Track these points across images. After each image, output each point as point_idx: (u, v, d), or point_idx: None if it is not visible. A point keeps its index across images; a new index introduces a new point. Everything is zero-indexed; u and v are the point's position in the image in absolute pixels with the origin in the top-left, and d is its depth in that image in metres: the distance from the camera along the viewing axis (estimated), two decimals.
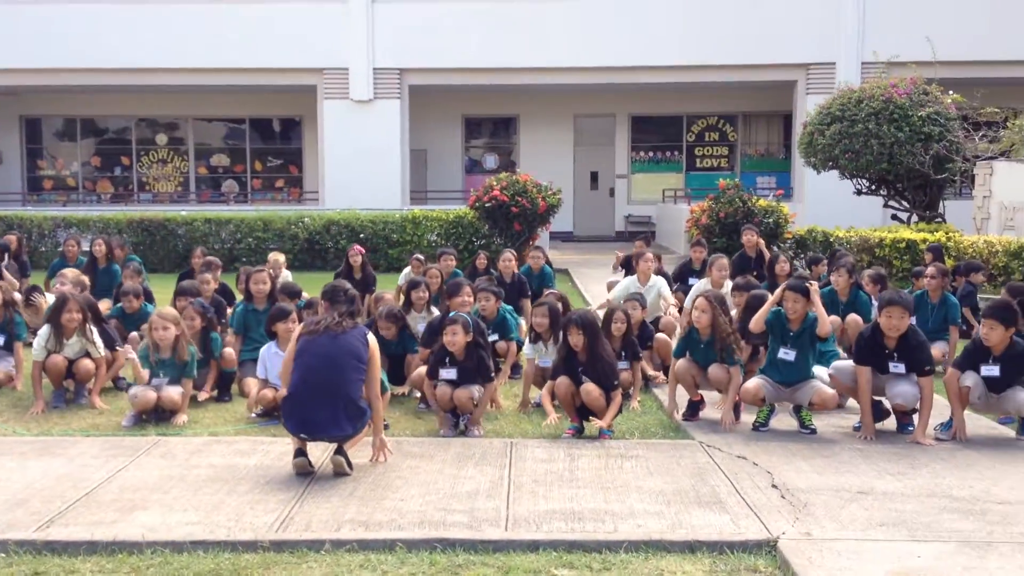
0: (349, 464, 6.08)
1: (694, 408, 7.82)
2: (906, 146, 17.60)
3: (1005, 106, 19.18)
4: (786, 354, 7.44)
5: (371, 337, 6.30)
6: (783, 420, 7.66)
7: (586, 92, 27.87)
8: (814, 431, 7.38)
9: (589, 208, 29.32)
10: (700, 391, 7.85)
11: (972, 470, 6.44)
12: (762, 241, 13.42)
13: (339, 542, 5.04)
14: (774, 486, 6.02)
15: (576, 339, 7.20)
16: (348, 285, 8.79)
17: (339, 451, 6.05)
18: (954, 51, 21.07)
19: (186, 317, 8.25)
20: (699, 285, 10.75)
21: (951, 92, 18.58)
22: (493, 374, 7.55)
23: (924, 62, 19.25)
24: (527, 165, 26.55)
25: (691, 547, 5.06)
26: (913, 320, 7.68)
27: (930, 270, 10.01)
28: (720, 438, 7.17)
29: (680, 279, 12.52)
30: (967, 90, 18.80)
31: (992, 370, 7.18)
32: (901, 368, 7.22)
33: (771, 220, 18.61)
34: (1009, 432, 7.42)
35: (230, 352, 8.65)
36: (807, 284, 7.54)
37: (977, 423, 7.68)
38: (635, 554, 5.00)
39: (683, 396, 7.89)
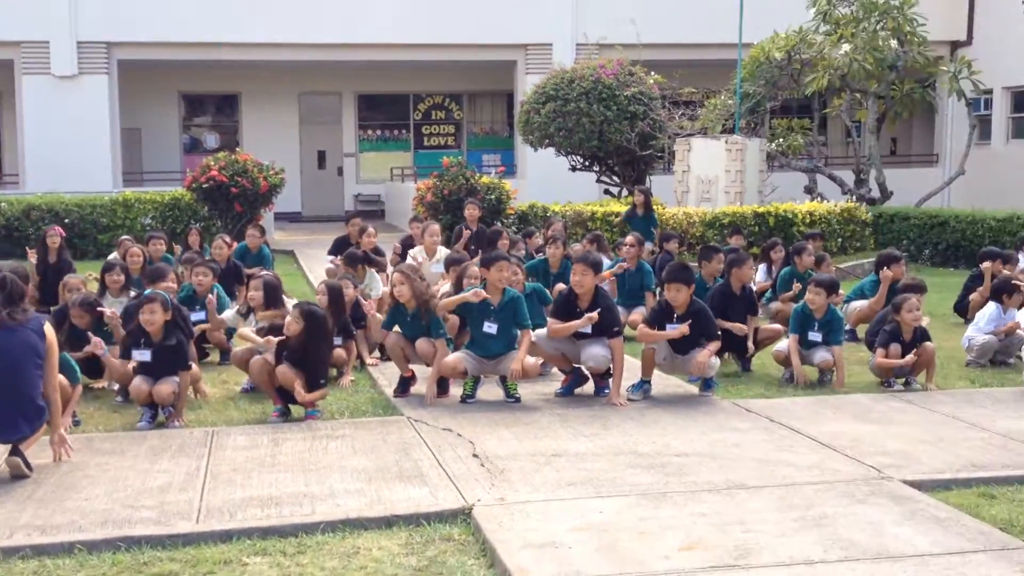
0: (27, 465, 5.70)
1: (405, 384, 7.89)
2: (614, 124, 18.51)
3: (702, 87, 20.54)
4: (489, 328, 7.64)
5: (48, 328, 5.91)
6: (491, 390, 7.87)
7: (311, 69, 27.38)
8: (518, 399, 7.63)
9: (317, 188, 28.89)
10: (412, 366, 7.94)
11: (657, 427, 6.89)
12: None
13: (11, 549, 4.72)
14: (475, 455, 6.19)
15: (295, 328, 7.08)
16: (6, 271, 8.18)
17: (15, 452, 5.65)
18: (656, 34, 22.28)
19: None
20: (412, 252, 11.06)
21: (653, 73, 19.70)
22: (191, 362, 7.30)
23: (629, 44, 20.25)
24: (251, 144, 25.75)
25: (388, 522, 5.12)
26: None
27: (629, 239, 10.58)
28: (428, 413, 7.28)
29: (402, 255, 12.63)
30: (668, 71, 19.99)
31: (674, 325, 7.70)
32: (588, 329, 7.61)
33: (493, 196, 19.05)
34: (693, 389, 7.98)
35: None
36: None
37: (667, 381, 8.22)
38: (332, 534, 4.99)
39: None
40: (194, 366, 7.50)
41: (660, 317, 7.86)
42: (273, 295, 8.26)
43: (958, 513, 5.10)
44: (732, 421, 7.04)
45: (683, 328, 7.59)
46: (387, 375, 8.45)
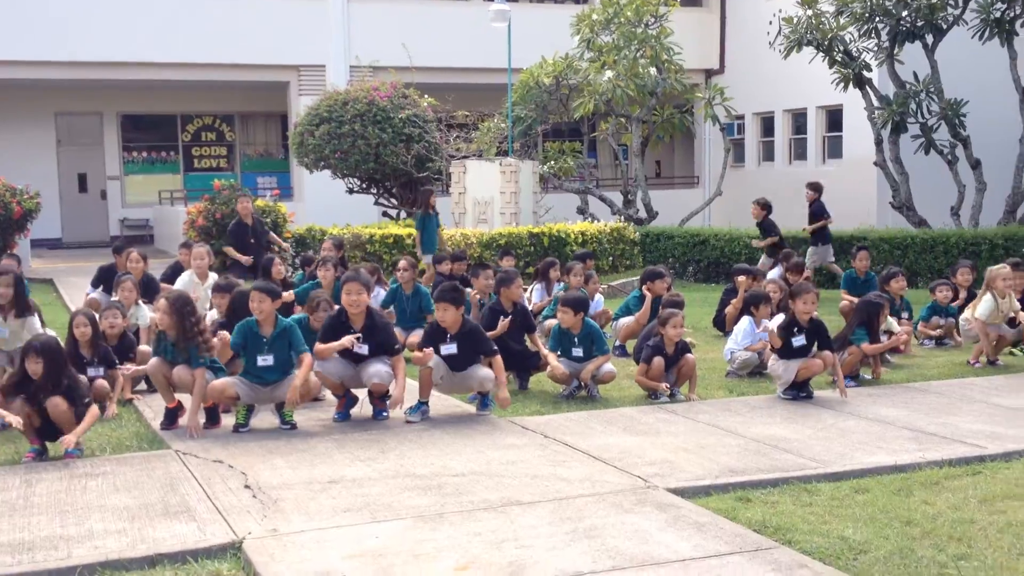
0: None
1: (172, 415, 7.56)
2: (390, 146, 18.55)
3: (475, 110, 20.89)
4: (264, 360, 7.46)
5: None
6: (266, 418, 7.67)
7: (69, 88, 25.93)
8: (294, 426, 7.48)
9: (79, 212, 27.32)
10: (181, 395, 7.62)
11: (435, 448, 6.91)
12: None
13: None
14: (247, 487, 6.00)
15: (34, 367, 6.64)
16: None
17: None
18: (428, 58, 22.47)
19: None
20: (183, 277, 10.72)
21: (427, 96, 19.88)
22: None
23: (402, 67, 20.36)
24: (2, 167, 24.09)
25: (152, 561, 4.88)
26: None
27: (401, 263, 10.60)
28: (198, 445, 7.00)
29: (170, 281, 12.14)
30: (441, 94, 20.22)
31: (450, 348, 7.78)
32: (365, 349, 7.60)
33: (269, 220, 18.63)
34: (471, 408, 8.06)
35: None
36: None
37: (446, 402, 8.27)
38: None
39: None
40: None
41: (433, 338, 7.91)
42: None
43: (716, 517, 5.38)
44: (508, 438, 7.15)
45: (451, 349, 7.73)
46: (153, 407, 8.08)
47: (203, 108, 28.44)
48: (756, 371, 9.51)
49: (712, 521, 5.31)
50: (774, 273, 12.92)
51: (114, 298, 9.82)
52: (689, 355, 8.53)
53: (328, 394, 8.17)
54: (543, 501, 5.67)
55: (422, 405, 7.79)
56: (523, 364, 8.92)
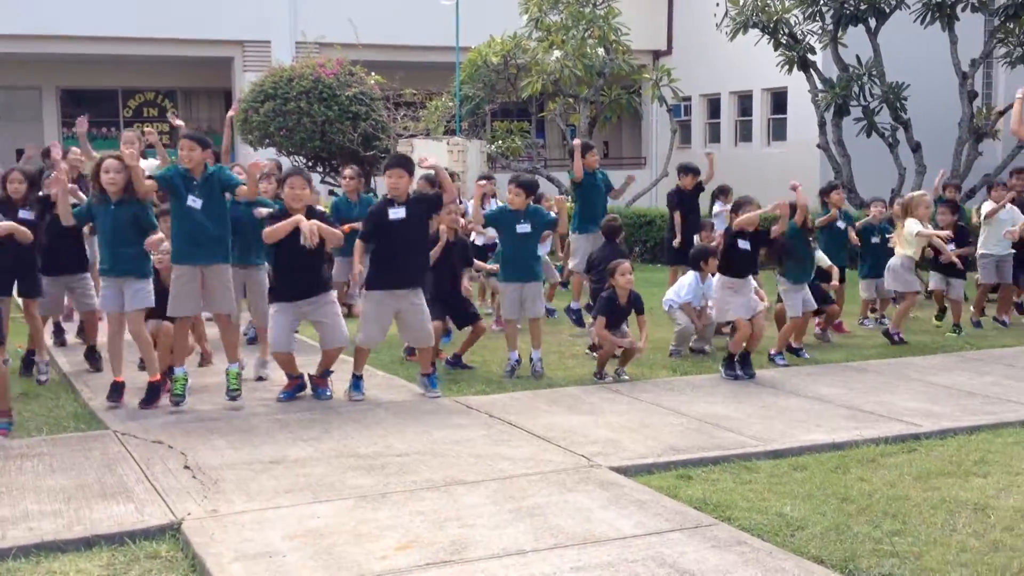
0: None
1: (118, 390, 7.41)
2: (336, 124, 18.38)
3: (423, 88, 20.76)
4: (193, 202, 7.34)
5: None
6: (203, 398, 7.57)
7: (5, 62, 25.30)
8: (236, 398, 7.42)
9: None
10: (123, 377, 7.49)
11: (379, 428, 6.88)
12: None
13: None
14: (187, 467, 5.93)
15: None
16: None
17: None
18: (375, 35, 22.25)
19: None
20: None
21: (374, 74, 19.70)
22: None
23: (349, 44, 20.16)
24: None
25: (88, 543, 4.80)
26: None
27: (347, 171, 11.37)
28: (138, 425, 6.90)
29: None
30: (389, 73, 20.06)
31: (399, 212, 7.73)
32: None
33: None
34: (417, 388, 8.02)
35: None
36: None
37: (391, 383, 8.24)
38: (25, 560, 4.63)
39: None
40: None
41: (381, 210, 7.87)
42: None
43: (658, 495, 5.42)
44: (453, 418, 7.14)
45: (399, 213, 7.75)
46: (91, 386, 7.96)
47: (145, 83, 27.95)
48: (698, 347, 9.59)
49: (653, 499, 5.35)
50: (717, 208, 13.30)
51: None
52: (642, 315, 8.63)
53: (273, 372, 8.14)
54: (486, 480, 5.67)
55: (359, 380, 7.73)
56: (454, 307, 8.90)
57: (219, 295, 7.39)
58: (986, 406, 7.47)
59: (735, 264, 8.55)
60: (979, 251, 11.20)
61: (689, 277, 9.60)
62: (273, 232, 7.40)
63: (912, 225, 10.12)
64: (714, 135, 27.21)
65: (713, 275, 9.20)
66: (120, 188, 7.26)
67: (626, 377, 8.49)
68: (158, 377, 7.43)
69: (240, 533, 4.88)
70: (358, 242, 7.84)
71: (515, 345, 8.66)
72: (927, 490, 5.55)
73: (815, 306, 9.54)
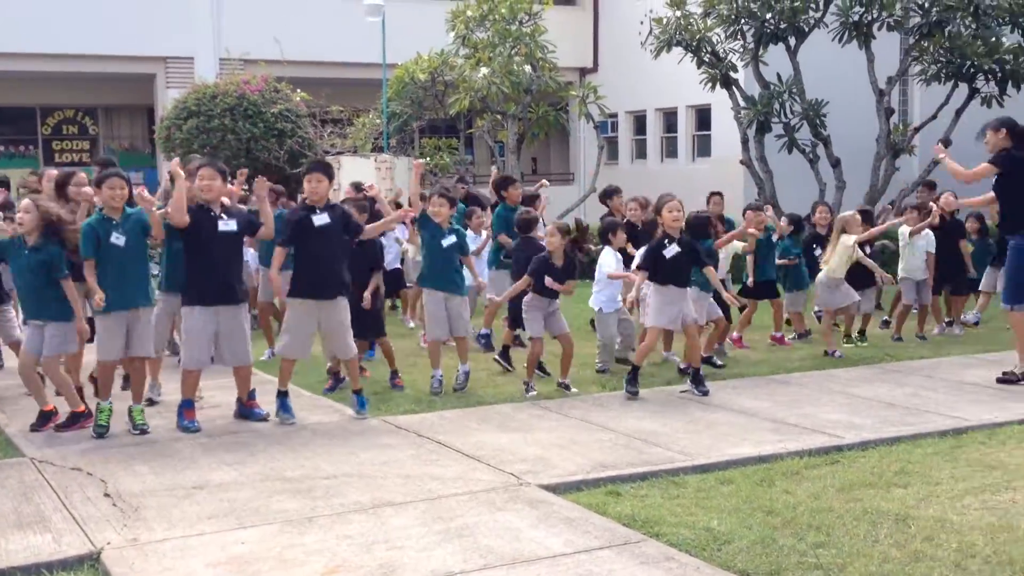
0: None
1: (45, 418, 7.23)
2: (262, 141, 18.20)
3: (350, 105, 20.64)
4: (117, 239, 7.18)
5: None
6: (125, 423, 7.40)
7: None
8: (145, 431, 7.24)
9: None
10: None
11: (306, 449, 6.79)
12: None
13: None
14: (107, 495, 5.78)
15: None
16: None
17: None
18: (301, 52, 22.09)
19: None
20: None
21: (300, 90, 19.54)
22: None
23: (274, 60, 19.97)
24: None
25: (2, 575, 4.66)
26: None
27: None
28: (55, 452, 6.72)
29: None
30: (315, 89, 19.91)
31: (322, 218, 7.69)
32: (233, 225, 7.46)
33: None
34: (347, 410, 7.93)
35: None
36: None
37: (317, 402, 8.15)
38: None
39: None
40: None
41: (303, 216, 7.75)
42: None
43: (587, 512, 5.43)
44: (381, 438, 7.08)
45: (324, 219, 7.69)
46: (8, 412, 7.74)
47: (64, 100, 27.35)
48: (621, 358, 9.63)
49: (583, 516, 5.36)
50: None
51: None
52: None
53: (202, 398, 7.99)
54: (415, 501, 5.62)
55: (285, 400, 7.62)
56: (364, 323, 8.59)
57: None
58: (906, 417, 7.63)
59: (660, 270, 8.49)
60: (900, 274, 11.63)
61: (607, 254, 9.48)
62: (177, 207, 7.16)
63: (848, 239, 10.40)
64: (640, 151, 27.49)
65: (624, 250, 9.43)
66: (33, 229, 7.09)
67: (575, 391, 8.58)
68: (81, 408, 7.28)
69: (161, 562, 4.77)
70: (278, 248, 7.73)
71: (438, 363, 8.62)
72: (850, 501, 5.64)
73: (719, 314, 9.70)
